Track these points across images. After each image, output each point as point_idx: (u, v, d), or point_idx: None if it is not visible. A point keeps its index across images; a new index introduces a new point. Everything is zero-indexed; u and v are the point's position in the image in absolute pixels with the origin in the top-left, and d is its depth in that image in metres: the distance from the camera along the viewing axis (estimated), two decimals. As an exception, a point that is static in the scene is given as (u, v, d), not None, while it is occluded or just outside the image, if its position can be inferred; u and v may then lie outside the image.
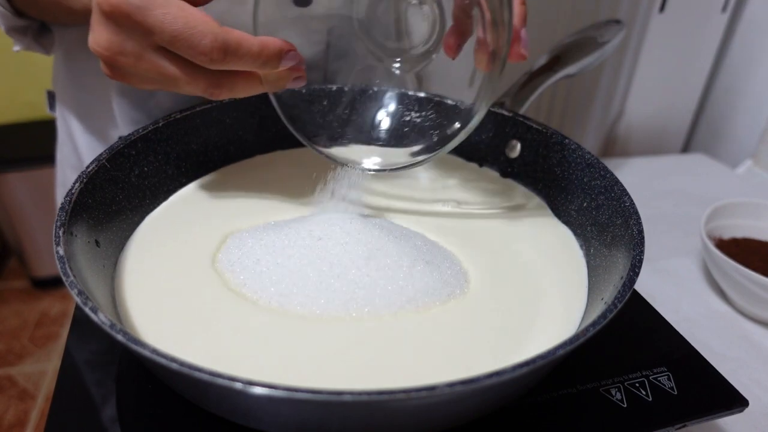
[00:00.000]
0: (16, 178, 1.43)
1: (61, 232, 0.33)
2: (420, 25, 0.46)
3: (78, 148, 0.63)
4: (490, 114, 0.52)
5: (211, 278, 0.40)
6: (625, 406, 0.36)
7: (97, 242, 0.38)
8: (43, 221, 1.49)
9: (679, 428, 0.36)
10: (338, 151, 0.46)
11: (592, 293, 0.40)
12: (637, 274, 0.33)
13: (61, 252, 0.31)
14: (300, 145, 0.44)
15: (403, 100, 0.52)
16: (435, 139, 0.46)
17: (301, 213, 0.47)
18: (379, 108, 0.52)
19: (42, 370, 1.39)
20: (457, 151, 0.55)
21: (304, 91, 0.51)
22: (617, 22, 0.65)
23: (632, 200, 0.40)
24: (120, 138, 0.43)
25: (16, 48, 0.54)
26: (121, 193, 0.43)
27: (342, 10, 0.52)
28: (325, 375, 0.33)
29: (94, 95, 0.59)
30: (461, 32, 0.41)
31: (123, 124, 0.57)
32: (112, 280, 0.39)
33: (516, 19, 0.37)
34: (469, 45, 0.41)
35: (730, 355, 0.52)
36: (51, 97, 0.64)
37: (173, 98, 0.57)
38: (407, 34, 0.48)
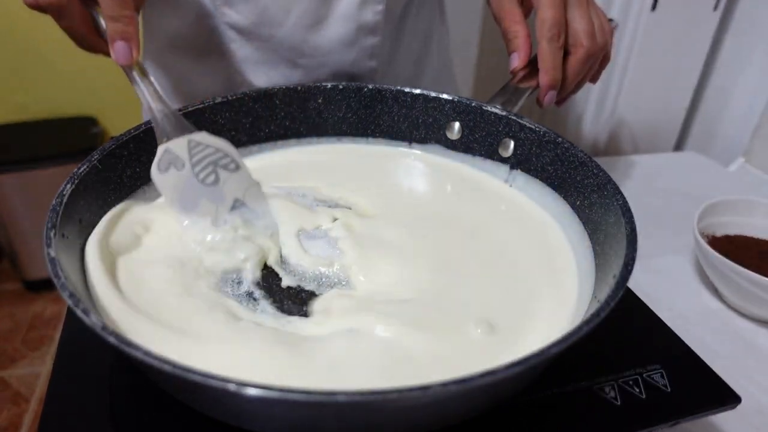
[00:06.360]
0: (7, 180, 1.42)
1: (51, 234, 0.33)
2: None
3: None
4: (483, 112, 0.52)
5: (204, 280, 0.40)
6: (619, 403, 0.36)
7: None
8: (35, 223, 1.48)
9: (673, 425, 0.36)
10: None
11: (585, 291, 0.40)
12: (630, 272, 0.33)
13: (52, 254, 0.31)
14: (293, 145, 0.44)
15: None
16: None
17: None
18: None
19: (35, 373, 1.38)
20: (450, 150, 0.55)
21: None
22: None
23: (625, 198, 0.40)
24: (112, 138, 0.43)
25: None
26: (113, 194, 0.42)
27: None
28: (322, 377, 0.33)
29: None
30: None
31: None
32: (105, 282, 0.38)
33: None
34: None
35: (723, 353, 0.52)
36: None
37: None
38: None
